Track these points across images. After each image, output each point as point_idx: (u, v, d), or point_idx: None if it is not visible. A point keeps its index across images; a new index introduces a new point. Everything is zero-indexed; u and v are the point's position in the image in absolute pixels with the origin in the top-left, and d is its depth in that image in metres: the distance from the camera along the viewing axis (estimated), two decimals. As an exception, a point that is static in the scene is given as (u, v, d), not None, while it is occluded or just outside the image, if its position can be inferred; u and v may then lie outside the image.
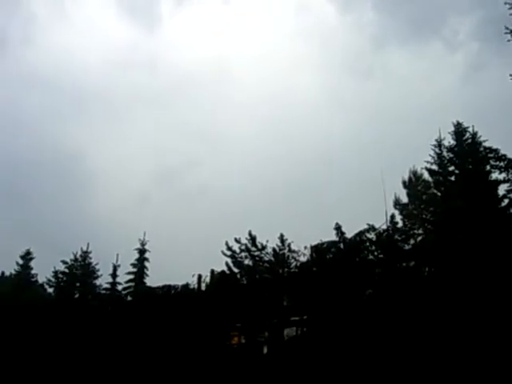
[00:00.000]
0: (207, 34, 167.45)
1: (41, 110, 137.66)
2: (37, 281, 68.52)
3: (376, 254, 51.31)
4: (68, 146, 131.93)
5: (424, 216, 50.39)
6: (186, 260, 77.32)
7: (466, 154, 51.02)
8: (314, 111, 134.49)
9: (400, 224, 51.36)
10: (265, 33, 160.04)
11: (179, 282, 57.07)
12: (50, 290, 62.31)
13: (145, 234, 59.25)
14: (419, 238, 50.18)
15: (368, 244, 51.48)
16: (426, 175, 51.52)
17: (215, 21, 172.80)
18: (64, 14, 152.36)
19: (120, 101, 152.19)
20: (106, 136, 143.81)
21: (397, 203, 51.91)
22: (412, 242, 50.45)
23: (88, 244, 59.62)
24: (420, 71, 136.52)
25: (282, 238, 53.03)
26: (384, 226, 51.27)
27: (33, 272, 68.98)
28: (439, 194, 50.89)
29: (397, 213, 51.48)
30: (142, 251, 58.52)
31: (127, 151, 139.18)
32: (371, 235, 51.41)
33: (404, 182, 52.38)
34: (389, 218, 51.10)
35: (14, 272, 70.12)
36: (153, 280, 58.90)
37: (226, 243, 54.64)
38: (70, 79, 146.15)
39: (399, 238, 50.83)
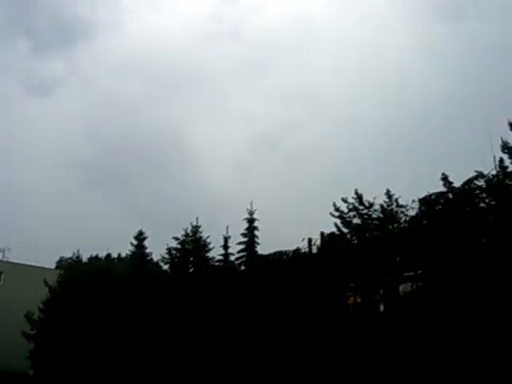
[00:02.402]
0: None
1: (136, 96, 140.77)
2: (152, 259, 70.73)
3: (487, 201, 49.89)
4: (167, 129, 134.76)
5: (536, 157, 48.28)
6: (295, 225, 77.75)
7: None
8: (404, 62, 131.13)
9: (510, 168, 49.35)
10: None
11: (290, 247, 57.48)
12: (166, 267, 64.19)
13: (252, 203, 59.86)
14: (533, 181, 48.28)
15: (478, 192, 50.11)
16: (537, 113, 49.33)
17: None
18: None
19: (210, 74, 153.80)
20: (203, 111, 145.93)
21: (504, 147, 49.80)
22: (525, 185, 48.64)
23: (197, 218, 60.95)
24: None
25: (388, 194, 52.24)
26: (493, 172, 49.82)
27: (147, 251, 71.21)
28: (552, 132, 48.87)
29: (505, 157, 49.45)
30: (250, 220, 59.17)
31: (225, 123, 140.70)
32: (481, 182, 50.03)
33: (510, 124, 50.23)
34: (497, 162, 49.56)
35: (129, 253, 72.59)
36: (264, 248, 59.56)
37: (334, 204, 54.39)
38: (159, 60, 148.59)
39: (511, 183, 49.11)
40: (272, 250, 57.80)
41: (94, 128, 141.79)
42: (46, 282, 70.22)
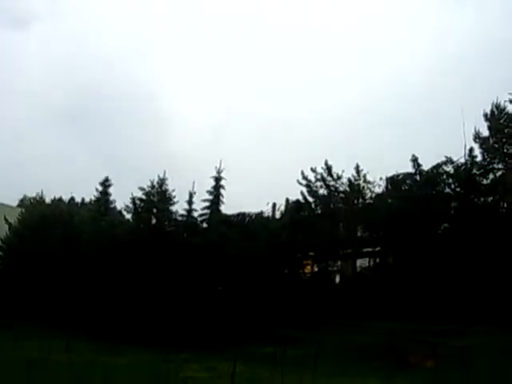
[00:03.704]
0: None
1: (116, 48, 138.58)
2: (115, 207, 70.27)
3: (453, 187, 50.67)
4: (144, 84, 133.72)
5: (505, 150, 49.07)
6: (262, 189, 77.92)
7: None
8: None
9: (479, 158, 50.13)
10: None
11: (254, 210, 57.74)
12: (128, 216, 63.85)
13: (221, 162, 59.65)
14: (499, 173, 49.09)
15: (445, 177, 50.84)
16: (510, 108, 49.99)
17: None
18: None
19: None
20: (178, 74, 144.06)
21: (477, 137, 50.52)
22: (491, 176, 49.46)
23: (165, 171, 60.39)
24: None
25: (357, 169, 52.83)
26: (462, 160, 50.57)
27: (111, 199, 70.71)
28: (524, 127, 49.61)
29: (476, 146, 50.24)
30: (217, 179, 58.99)
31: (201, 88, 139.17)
32: (449, 168, 50.77)
33: (485, 115, 50.81)
34: (467, 151, 50.26)
35: (93, 198, 72.05)
36: (228, 208, 59.50)
37: (302, 172, 54.89)
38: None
39: (478, 173, 49.86)
40: (236, 211, 58.02)
41: (70, 70, 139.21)
42: (6, 220, 69.59)
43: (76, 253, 55.23)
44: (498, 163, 49.43)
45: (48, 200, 78.75)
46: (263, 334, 39.12)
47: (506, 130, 49.06)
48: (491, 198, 48.19)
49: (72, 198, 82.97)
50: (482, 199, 48.89)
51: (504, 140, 48.88)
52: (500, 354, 26.04)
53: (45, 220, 63.83)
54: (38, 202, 78.52)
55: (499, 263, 42.00)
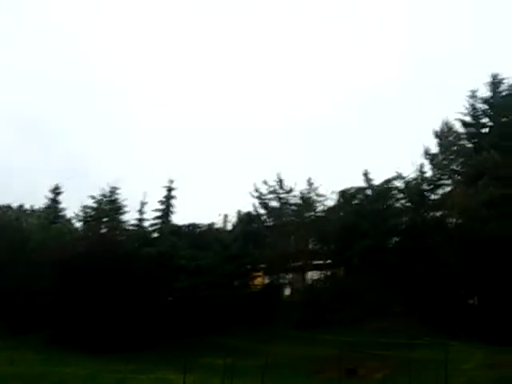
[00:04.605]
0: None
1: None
2: (65, 215, 69.35)
3: (403, 202, 51.46)
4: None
5: (454, 167, 50.04)
6: (214, 200, 77.79)
7: (501, 106, 50.56)
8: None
9: (429, 174, 51.05)
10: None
11: (205, 221, 57.74)
12: (78, 225, 63.07)
13: (173, 172, 59.61)
14: (448, 189, 49.98)
15: (396, 192, 51.64)
16: (458, 126, 51.08)
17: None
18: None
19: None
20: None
21: (427, 153, 51.43)
22: (440, 192, 50.33)
23: (116, 180, 59.95)
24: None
25: (309, 182, 53.24)
26: (412, 175, 51.42)
27: (61, 206, 69.79)
28: (471, 145, 50.57)
29: (426, 162, 51.17)
30: (169, 189, 58.78)
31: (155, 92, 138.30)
32: (399, 183, 51.58)
33: (435, 133, 51.79)
34: (418, 167, 51.12)
35: (43, 206, 70.99)
36: (179, 218, 59.34)
37: (254, 185, 55.15)
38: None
39: (427, 188, 50.74)
40: (187, 222, 57.88)
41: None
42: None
43: (23, 260, 54.29)
44: (447, 179, 50.30)
45: (-5, 206, 77.18)
46: (213, 345, 38.88)
47: (454, 147, 50.00)
48: (440, 213, 48.91)
49: (21, 205, 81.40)
50: (431, 214, 49.59)
51: (452, 157, 49.82)
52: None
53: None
54: (-15, 208, 76.92)
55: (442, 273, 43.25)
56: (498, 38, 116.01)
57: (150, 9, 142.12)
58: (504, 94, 50.42)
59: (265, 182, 54.70)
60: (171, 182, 59.03)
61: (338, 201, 53.22)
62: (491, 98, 50.52)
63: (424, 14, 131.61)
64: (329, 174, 76.73)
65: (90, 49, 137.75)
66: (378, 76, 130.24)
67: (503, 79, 50.55)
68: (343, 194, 52.63)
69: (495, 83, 50.70)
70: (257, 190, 54.98)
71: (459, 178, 48.96)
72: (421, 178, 50.97)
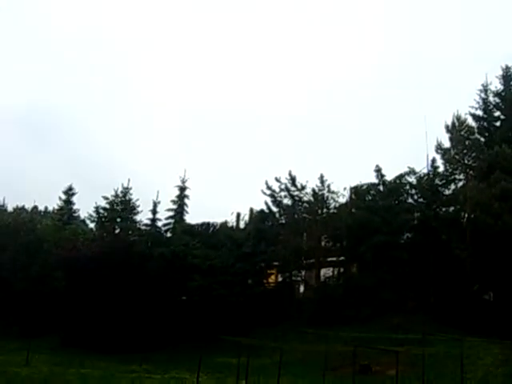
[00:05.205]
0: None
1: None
2: (79, 216, 69.75)
3: (416, 198, 51.32)
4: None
5: (466, 161, 49.74)
6: (227, 198, 77.97)
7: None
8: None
9: (441, 169, 50.82)
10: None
11: (218, 219, 57.90)
12: (92, 225, 63.37)
13: (185, 171, 59.63)
14: (460, 184, 49.77)
15: (408, 187, 51.50)
16: (470, 120, 50.75)
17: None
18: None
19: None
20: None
21: (439, 148, 51.08)
22: (453, 187, 50.13)
23: (129, 180, 60.14)
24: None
25: (321, 179, 53.02)
26: (425, 170, 51.27)
27: (75, 207, 70.25)
28: (483, 139, 50.32)
29: (438, 157, 50.87)
30: (182, 188, 58.97)
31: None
32: (412, 179, 51.43)
33: (447, 127, 51.42)
34: (430, 162, 50.98)
35: (56, 207, 71.39)
36: (192, 217, 59.51)
37: (266, 182, 55.02)
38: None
39: (440, 183, 50.54)
40: (200, 221, 58.10)
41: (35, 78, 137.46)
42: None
43: (37, 261, 54.68)
44: (460, 174, 50.05)
45: (10, 208, 77.62)
46: (227, 344, 38.95)
47: (466, 142, 49.73)
48: (453, 208, 48.76)
49: (35, 207, 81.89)
50: (444, 209, 49.44)
51: (465, 151, 49.54)
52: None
53: (7, 228, 63.02)
54: (0, 210, 77.37)
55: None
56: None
57: (153, 9, 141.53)
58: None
59: (277, 180, 54.62)
60: (184, 181, 59.26)
61: (351, 197, 53.10)
62: (503, 91, 50.35)
63: (429, 7, 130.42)
64: (341, 170, 76.58)
65: (94, 45, 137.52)
66: (386, 72, 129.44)
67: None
68: (355, 190, 52.52)
69: (507, 76, 50.52)
70: (269, 188, 54.93)
71: (471, 172, 48.60)
72: (433, 173, 50.79)
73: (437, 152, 51.16)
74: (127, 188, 60.01)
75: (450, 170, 50.45)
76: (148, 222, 59.01)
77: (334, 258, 52.65)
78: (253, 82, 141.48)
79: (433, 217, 47.89)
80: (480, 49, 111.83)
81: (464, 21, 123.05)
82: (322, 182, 52.93)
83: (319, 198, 52.98)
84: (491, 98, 50.77)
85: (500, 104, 50.40)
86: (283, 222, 55.34)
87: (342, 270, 53.11)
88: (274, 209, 55.30)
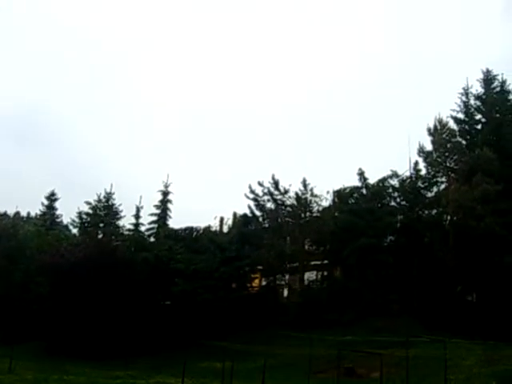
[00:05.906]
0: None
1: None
2: (61, 221, 69.49)
3: (398, 200, 51.56)
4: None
5: (448, 164, 50.07)
6: (209, 202, 77.87)
7: (494, 103, 50.81)
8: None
9: (423, 171, 51.14)
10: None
11: (202, 223, 57.87)
12: (75, 231, 63.17)
13: (168, 176, 59.63)
14: (442, 186, 50.09)
15: (391, 190, 51.71)
16: (452, 123, 51.08)
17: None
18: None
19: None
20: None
21: (421, 151, 51.40)
22: (435, 189, 50.45)
23: (111, 185, 60.10)
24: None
25: (304, 183, 53.05)
26: (407, 173, 51.52)
27: (57, 213, 69.98)
28: (464, 142, 50.67)
29: (420, 160, 51.18)
30: (165, 193, 59.00)
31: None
32: (394, 182, 51.64)
33: (429, 130, 51.71)
34: (412, 165, 51.29)
35: (39, 212, 71.07)
36: (176, 222, 59.47)
37: (249, 186, 54.93)
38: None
39: (422, 186, 50.84)
40: (184, 225, 58.00)
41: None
42: None
43: (19, 267, 54.34)
44: (442, 176, 50.37)
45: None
46: (211, 349, 38.91)
47: (448, 145, 50.03)
48: (435, 211, 49.07)
49: (17, 213, 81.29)
50: (427, 212, 49.78)
51: (446, 154, 49.84)
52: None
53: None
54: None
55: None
56: (489, 33, 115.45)
57: (152, 8, 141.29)
58: (497, 90, 50.78)
59: (260, 184, 54.55)
60: (167, 186, 59.30)
61: (334, 201, 53.26)
62: (484, 94, 50.76)
63: (415, 10, 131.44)
64: (324, 174, 76.76)
65: (89, 47, 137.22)
66: (370, 74, 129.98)
67: (496, 75, 50.92)
68: (338, 193, 52.66)
69: (488, 80, 50.96)
70: (252, 192, 54.87)
71: (453, 175, 48.90)
72: (415, 175, 51.11)
73: (419, 155, 51.48)
74: (110, 193, 59.99)
75: (432, 173, 50.75)
76: (131, 226, 59.03)
77: (318, 262, 52.69)
78: (235, 83, 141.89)
79: (416, 219, 48.26)
80: (461, 52, 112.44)
81: (444, 22, 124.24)
82: (305, 185, 52.96)
83: (302, 202, 52.98)
84: (472, 101, 51.13)
85: (481, 107, 50.79)
86: (266, 226, 55.24)
87: (325, 273, 53.16)
88: (258, 213, 55.24)
